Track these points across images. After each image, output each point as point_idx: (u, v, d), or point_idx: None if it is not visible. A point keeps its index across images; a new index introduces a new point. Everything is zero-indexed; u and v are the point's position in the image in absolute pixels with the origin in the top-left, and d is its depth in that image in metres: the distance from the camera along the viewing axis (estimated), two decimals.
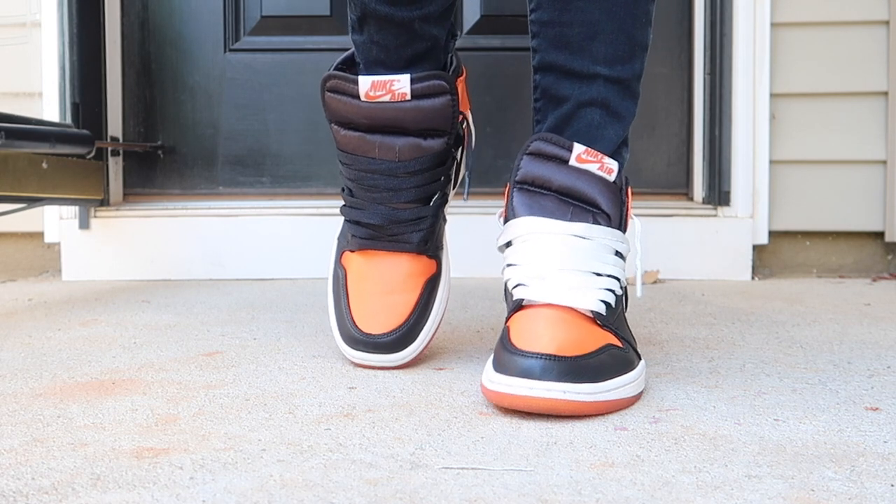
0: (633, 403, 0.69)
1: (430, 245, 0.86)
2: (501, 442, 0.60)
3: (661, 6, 1.68)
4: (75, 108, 1.52)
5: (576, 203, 0.75)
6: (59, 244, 1.61)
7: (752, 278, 1.55)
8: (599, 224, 0.74)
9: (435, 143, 0.84)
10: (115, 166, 1.65)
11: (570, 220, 0.74)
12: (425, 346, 0.84)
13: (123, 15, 1.68)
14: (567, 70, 0.79)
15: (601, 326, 0.71)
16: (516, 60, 1.67)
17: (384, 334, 0.81)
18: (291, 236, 1.58)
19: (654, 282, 1.50)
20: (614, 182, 0.76)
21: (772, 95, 1.57)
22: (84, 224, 1.57)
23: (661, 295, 1.34)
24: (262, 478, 0.52)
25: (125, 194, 1.69)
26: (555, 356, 0.64)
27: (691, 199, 1.66)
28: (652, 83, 1.64)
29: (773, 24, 1.57)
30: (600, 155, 0.75)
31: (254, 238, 1.58)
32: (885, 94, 1.58)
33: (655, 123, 1.67)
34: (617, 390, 0.67)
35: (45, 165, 1.38)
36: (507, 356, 0.66)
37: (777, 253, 1.62)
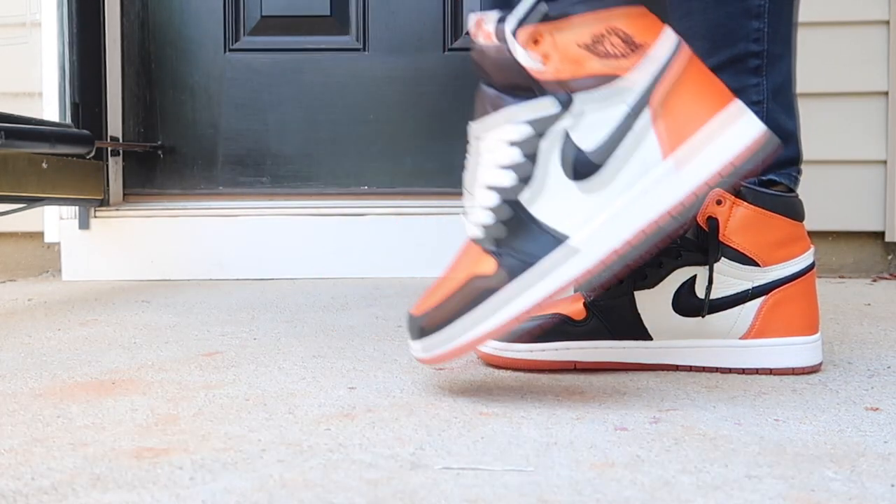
0: (496, 334, 0.67)
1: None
2: (501, 442, 0.60)
3: None
4: (75, 108, 1.52)
5: (485, 88, 0.69)
6: (58, 244, 1.61)
7: None
8: (494, 110, 0.67)
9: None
10: (115, 166, 1.65)
11: (475, 118, 0.69)
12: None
13: (123, 15, 1.68)
14: None
15: (484, 250, 0.68)
16: None
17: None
18: (291, 236, 1.58)
19: None
20: (499, 43, 0.66)
21: None
22: (84, 224, 1.58)
23: None
24: (262, 478, 0.52)
25: (125, 194, 1.69)
26: (412, 316, 0.71)
27: None
28: None
29: None
30: (481, 20, 0.68)
31: (254, 238, 1.58)
32: (886, 94, 1.58)
33: None
34: (462, 336, 0.67)
35: (45, 165, 1.38)
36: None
37: None
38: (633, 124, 0.65)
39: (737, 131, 0.66)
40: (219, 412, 0.67)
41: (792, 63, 0.84)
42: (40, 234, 1.65)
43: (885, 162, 1.58)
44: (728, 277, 0.78)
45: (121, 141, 1.67)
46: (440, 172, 1.67)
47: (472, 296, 0.67)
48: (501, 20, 0.66)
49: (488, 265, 0.67)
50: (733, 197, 0.77)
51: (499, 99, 0.67)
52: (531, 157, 0.66)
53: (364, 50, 1.69)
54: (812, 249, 0.81)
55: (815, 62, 1.58)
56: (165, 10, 1.69)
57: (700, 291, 0.77)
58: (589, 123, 0.65)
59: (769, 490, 0.50)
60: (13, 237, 1.70)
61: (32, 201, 1.39)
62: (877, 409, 0.68)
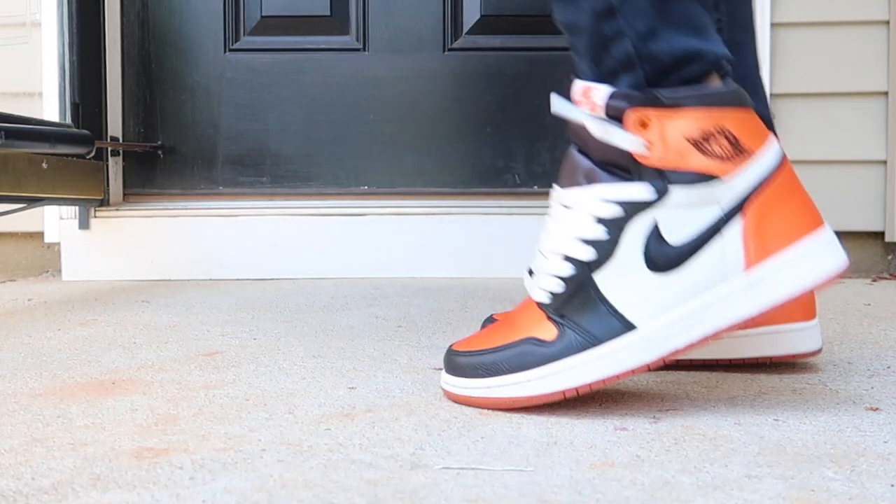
0: (534, 402, 0.66)
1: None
2: (501, 442, 0.60)
3: None
4: (75, 108, 1.52)
5: (580, 157, 0.68)
6: (59, 244, 1.61)
7: None
8: (586, 183, 0.66)
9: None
10: (115, 166, 1.65)
11: (563, 183, 0.68)
12: None
13: (123, 15, 1.68)
14: None
15: (547, 316, 0.68)
16: (516, 60, 1.67)
17: None
18: (291, 236, 1.58)
19: None
20: (605, 119, 0.65)
21: (772, 95, 1.57)
22: (84, 224, 1.58)
23: None
24: (262, 478, 0.52)
25: (125, 194, 1.69)
26: (454, 350, 0.71)
27: None
28: None
29: (773, 24, 1.57)
30: (588, 88, 0.66)
31: (254, 238, 1.58)
32: (885, 94, 1.58)
33: None
34: (499, 391, 0.67)
35: (45, 165, 1.38)
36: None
37: None
38: (722, 228, 0.65)
39: (821, 260, 0.65)
40: (219, 412, 0.67)
41: (755, 48, 0.84)
42: (40, 234, 1.65)
43: (885, 162, 1.58)
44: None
45: (121, 141, 1.67)
46: (440, 172, 1.67)
47: (523, 357, 0.67)
48: (612, 96, 0.65)
49: (548, 332, 0.67)
50: None
51: (593, 172, 0.66)
52: (614, 238, 0.65)
53: (364, 50, 1.69)
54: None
55: (815, 62, 1.58)
56: (165, 10, 1.69)
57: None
58: (679, 217, 0.65)
59: (769, 490, 0.50)
60: (13, 237, 1.70)
61: (32, 201, 1.39)
62: (877, 409, 0.68)
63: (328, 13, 1.68)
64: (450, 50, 1.68)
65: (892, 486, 0.51)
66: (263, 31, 1.70)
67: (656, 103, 0.64)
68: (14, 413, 0.67)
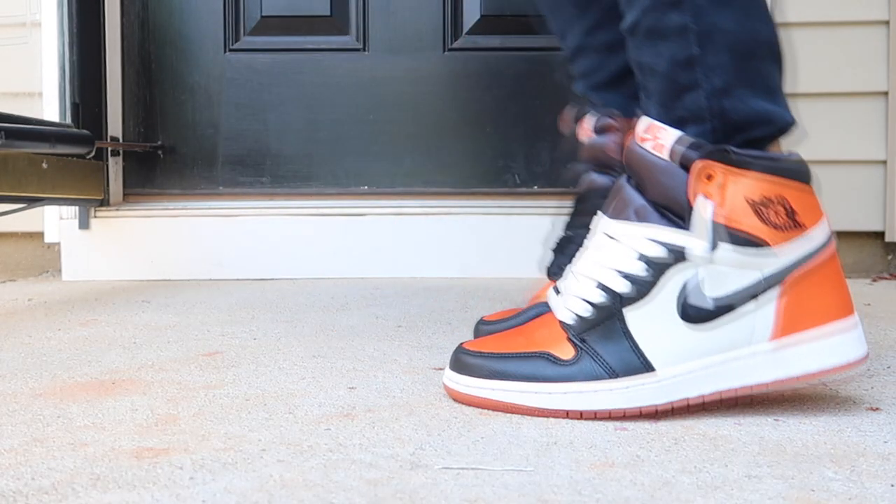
0: (534, 412, 0.67)
1: None
2: (501, 442, 0.60)
3: None
4: (75, 108, 1.52)
5: (633, 192, 0.68)
6: (59, 244, 1.61)
7: None
8: (636, 219, 0.67)
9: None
10: (115, 166, 1.65)
11: (611, 214, 0.69)
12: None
13: (123, 15, 1.68)
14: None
15: (568, 337, 0.68)
16: (516, 60, 1.67)
17: None
18: (291, 236, 1.58)
19: None
20: (669, 161, 0.65)
21: None
22: (84, 224, 1.58)
23: None
24: (262, 478, 0.52)
25: (125, 194, 1.69)
26: (464, 348, 0.71)
27: None
28: None
29: None
30: (656, 127, 0.67)
31: (254, 238, 1.58)
32: (885, 94, 1.58)
33: None
34: (503, 395, 0.68)
35: (45, 165, 1.38)
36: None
37: None
38: (759, 294, 0.66)
39: (841, 344, 0.67)
40: (219, 412, 0.67)
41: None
42: (40, 234, 1.65)
43: (884, 162, 1.58)
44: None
45: (121, 141, 1.67)
46: (440, 172, 1.67)
47: (536, 369, 0.68)
48: (679, 141, 0.65)
49: (566, 352, 0.68)
50: None
51: (645, 210, 0.67)
52: (654, 279, 0.66)
53: (364, 50, 1.69)
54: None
55: (815, 62, 1.58)
56: (165, 10, 1.69)
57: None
58: (720, 274, 0.66)
59: (769, 490, 0.50)
60: (13, 237, 1.70)
61: (32, 201, 1.39)
62: (877, 409, 0.68)
63: (328, 13, 1.68)
64: (450, 50, 1.68)
65: (892, 486, 0.51)
66: (263, 31, 1.70)
67: (725, 159, 0.65)
68: (14, 413, 0.67)
